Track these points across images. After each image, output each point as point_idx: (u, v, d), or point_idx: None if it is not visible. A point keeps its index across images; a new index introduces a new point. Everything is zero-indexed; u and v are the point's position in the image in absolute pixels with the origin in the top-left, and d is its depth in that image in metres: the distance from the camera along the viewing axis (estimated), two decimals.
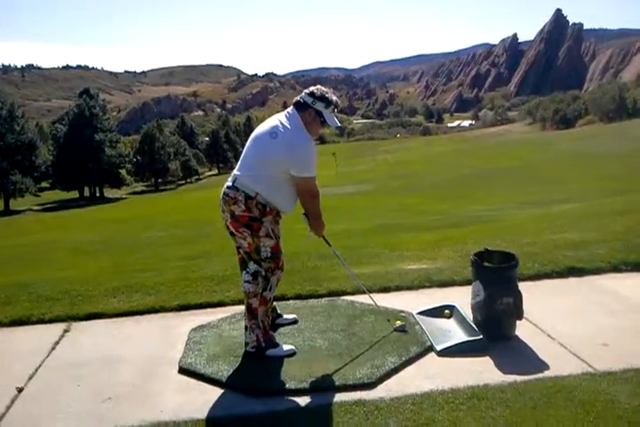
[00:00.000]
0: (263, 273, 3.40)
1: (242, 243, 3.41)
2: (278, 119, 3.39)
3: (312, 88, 3.42)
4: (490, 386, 2.91)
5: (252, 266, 3.41)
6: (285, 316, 3.96)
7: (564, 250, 5.37)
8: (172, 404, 2.96)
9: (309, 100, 3.35)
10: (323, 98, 3.35)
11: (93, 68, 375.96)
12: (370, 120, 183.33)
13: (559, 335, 3.54)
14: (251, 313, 3.44)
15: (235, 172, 3.42)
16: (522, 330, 3.59)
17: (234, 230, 3.40)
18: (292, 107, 3.42)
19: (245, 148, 3.49)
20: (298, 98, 3.42)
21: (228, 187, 3.38)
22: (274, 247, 3.39)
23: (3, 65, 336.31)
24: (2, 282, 6.40)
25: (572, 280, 4.64)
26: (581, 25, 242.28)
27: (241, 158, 3.48)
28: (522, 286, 3.60)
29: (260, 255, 3.38)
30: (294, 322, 3.91)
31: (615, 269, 4.82)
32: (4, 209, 46.34)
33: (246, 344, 3.49)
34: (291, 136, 3.29)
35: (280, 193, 3.36)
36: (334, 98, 3.41)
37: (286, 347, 3.49)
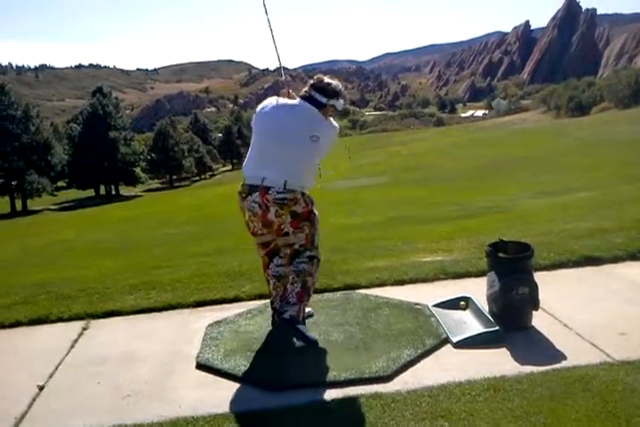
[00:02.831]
0: (318, 257, 3.62)
1: (299, 237, 3.51)
2: (306, 119, 3.42)
3: (322, 84, 3.45)
4: (506, 377, 2.91)
5: (307, 253, 3.55)
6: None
7: (580, 239, 5.33)
8: (190, 400, 2.99)
9: (324, 100, 3.43)
10: (336, 93, 3.47)
11: (106, 66, 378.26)
12: (382, 112, 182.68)
13: (576, 325, 3.51)
14: (306, 290, 3.55)
15: (276, 177, 3.34)
16: (538, 320, 3.57)
17: (292, 229, 3.45)
18: (306, 103, 3.43)
19: (269, 147, 3.44)
20: (315, 96, 3.43)
21: (280, 192, 3.33)
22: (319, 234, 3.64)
23: (16, 66, 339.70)
24: (20, 282, 6.49)
25: (589, 269, 4.60)
26: (595, 10, 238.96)
27: (266, 162, 3.42)
28: (537, 276, 3.58)
29: (313, 244, 3.58)
30: (310, 315, 3.92)
31: (632, 257, 4.76)
32: (21, 209, 46.83)
33: (282, 313, 3.54)
34: (328, 133, 3.51)
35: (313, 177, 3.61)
36: (338, 89, 3.51)
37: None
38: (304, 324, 3.58)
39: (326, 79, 3.49)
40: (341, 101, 3.50)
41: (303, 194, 3.45)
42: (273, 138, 3.42)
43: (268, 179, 3.35)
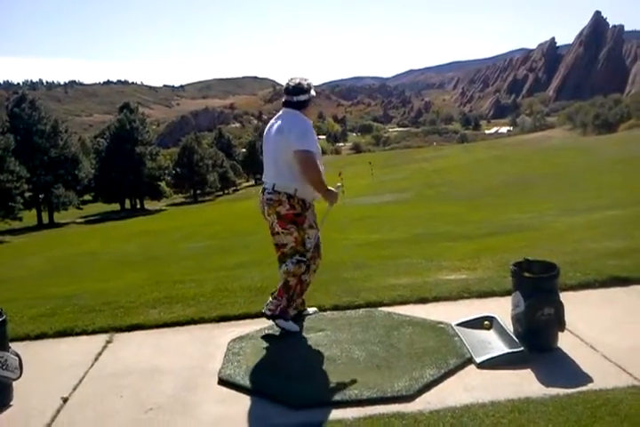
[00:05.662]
0: (306, 261, 3.86)
1: (289, 239, 3.84)
2: (280, 122, 3.86)
3: (297, 87, 3.84)
4: (531, 399, 2.86)
5: (297, 257, 3.84)
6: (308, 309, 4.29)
7: (608, 258, 5.24)
8: (212, 415, 2.99)
9: (307, 96, 3.85)
10: (309, 86, 3.87)
11: (133, 82, 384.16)
12: (405, 128, 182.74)
13: (603, 347, 3.45)
14: (286, 288, 3.88)
15: (268, 180, 3.85)
16: (564, 342, 3.51)
17: (281, 229, 3.83)
18: (288, 109, 3.86)
19: (264, 158, 3.95)
20: (300, 98, 3.84)
21: (269, 193, 3.81)
22: (316, 236, 3.89)
23: (47, 82, 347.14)
24: (47, 294, 6.58)
25: (617, 290, 4.51)
26: (622, 27, 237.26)
27: (265, 168, 3.92)
28: (563, 296, 3.53)
29: (305, 247, 3.84)
30: (309, 314, 4.23)
31: None
32: (48, 222, 47.54)
33: (266, 305, 3.97)
34: (289, 121, 3.80)
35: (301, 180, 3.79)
36: (308, 82, 3.89)
37: (295, 325, 3.95)
38: (285, 319, 3.92)
39: (293, 82, 3.87)
40: (313, 90, 3.93)
41: (290, 197, 3.75)
42: (264, 146, 3.94)
43: (267, 182, 3.88)
